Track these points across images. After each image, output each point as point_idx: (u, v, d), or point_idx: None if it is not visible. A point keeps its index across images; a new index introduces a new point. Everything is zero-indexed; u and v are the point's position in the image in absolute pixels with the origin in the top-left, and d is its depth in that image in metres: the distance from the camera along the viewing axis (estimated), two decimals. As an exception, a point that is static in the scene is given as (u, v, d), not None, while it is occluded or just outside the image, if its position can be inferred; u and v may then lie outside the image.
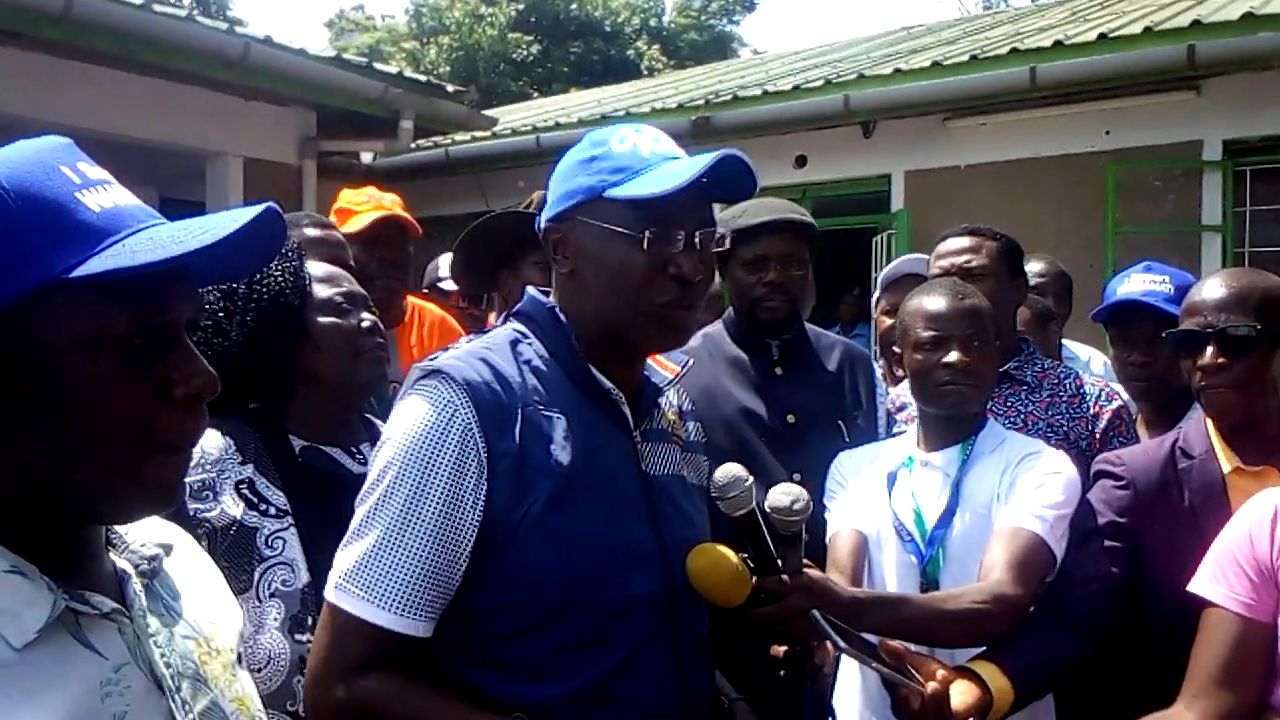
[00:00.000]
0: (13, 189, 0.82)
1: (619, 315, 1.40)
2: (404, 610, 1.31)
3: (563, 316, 1.45)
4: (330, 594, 1.35)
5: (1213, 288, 1.83)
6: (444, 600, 1.34)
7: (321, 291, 1.81)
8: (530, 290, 1.52)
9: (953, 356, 1.97)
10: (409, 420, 1.36)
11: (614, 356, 1.44)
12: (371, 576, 1.31)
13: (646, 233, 1.35)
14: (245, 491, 1.67)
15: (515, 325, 1.49)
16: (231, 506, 1.64)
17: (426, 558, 1.31)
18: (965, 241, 2.53)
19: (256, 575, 1.62)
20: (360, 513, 1.36)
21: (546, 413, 1.38)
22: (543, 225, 1.46)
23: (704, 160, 1.33)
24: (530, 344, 1.45)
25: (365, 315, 1.84)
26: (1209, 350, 1.78)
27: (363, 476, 1.70)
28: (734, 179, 1.40)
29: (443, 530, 1.31)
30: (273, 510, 1.68)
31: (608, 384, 1.42)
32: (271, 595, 1.61)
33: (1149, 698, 1.63)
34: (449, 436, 1.32)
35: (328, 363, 1.78)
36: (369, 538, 1.33)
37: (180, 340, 0.88)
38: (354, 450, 1.83)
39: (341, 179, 7.01)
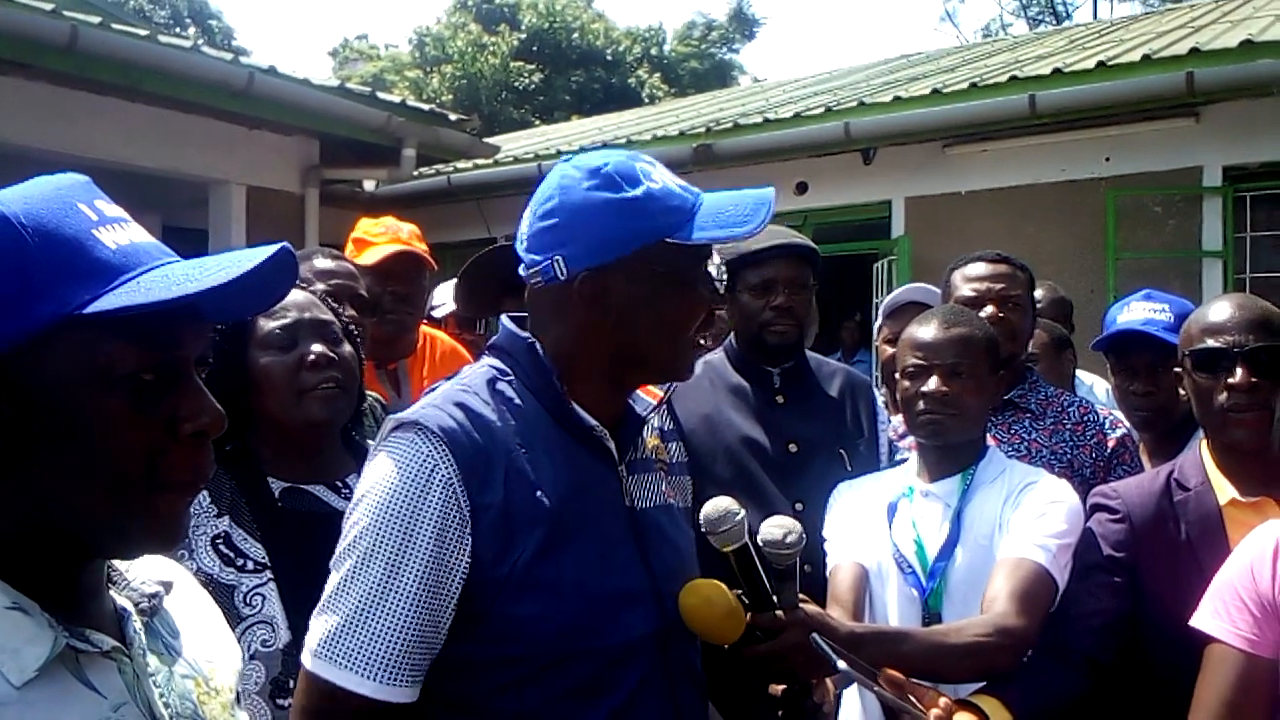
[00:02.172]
0: (31, 225, 0.83)
1: (659, 355, 1.38)
2: (389, 678, 1.26)
3: (543, 354, 1.39)
4: (308, 661, 1.29)
5: (1230, 309, 1.81)
6: (428, 661, 1.30)
7: (261, 325, 1.69)
8: (505, 322, 1.47)
9: (931, 385, 1.97)
10: (385, 479, 1.29)
11: (612, 390, 1.42)
12: (353, 645, 1.26)
13: (712, 278, 1.37)
14: (221, 547, 1.59)
15: (492, 362, 1.44)
16: (207, 564, 1.57)
17: (409, 623, 1.26)
18: (1003, 268, 2.49)
19: (236, 636, 1.52)
20: (336, 577, 1.30)
21: (529, 455, 1.33)
22: (569, 272, 1.35)
23: (766, 198, 1.34)
24: (510, 381, 1.40)
25: (314, 347, 1.70)
26: (1240, 371, 1.75)
27: None
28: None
29: (425, 594, 1.27)
30: (250, 565, 1.60)
31: (591, 421, 1.37)
32: (252, 657, 1.53)
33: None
34: (429, 495, 1.27)
35: (271, 404, 1.68)
36: (348, 604, 1.28)
37: (189, 377, 0.89)
38: (340, 484, 1.74)
39: (344, 207, 7.08)
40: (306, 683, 1.31)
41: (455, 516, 1.27)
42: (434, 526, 1.27)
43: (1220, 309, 1.83)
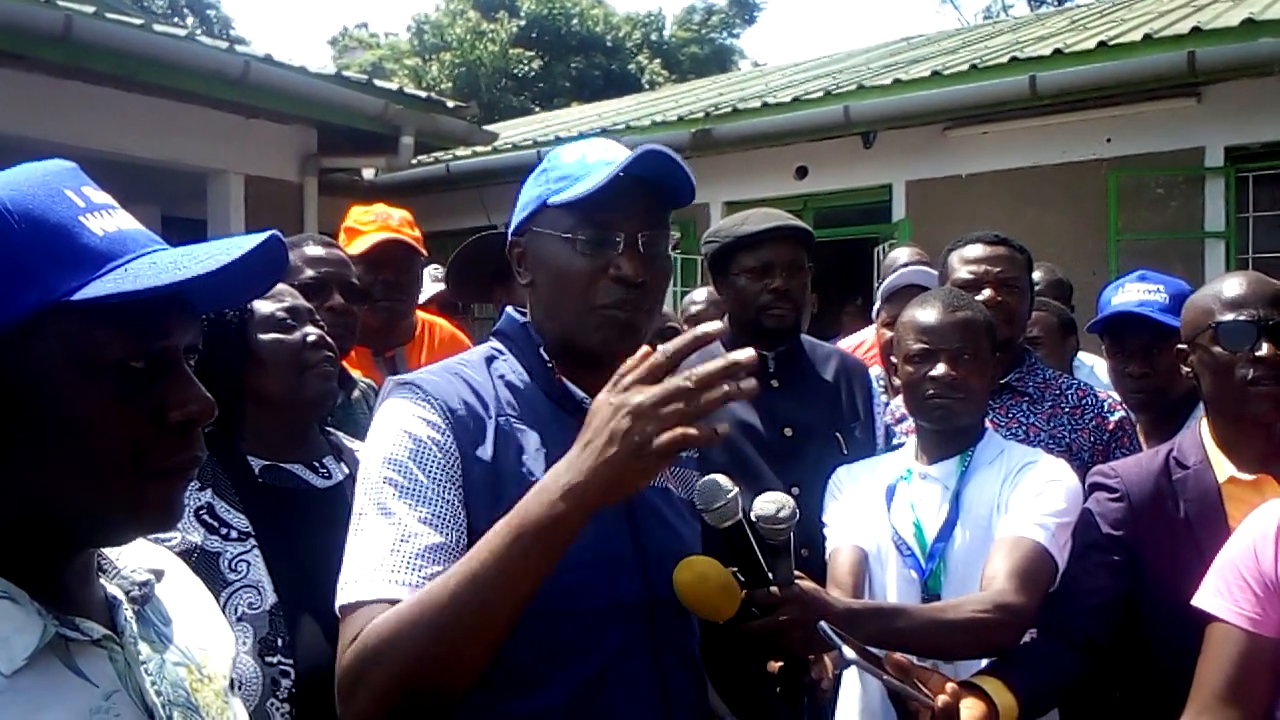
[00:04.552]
0: (17, 211, 0.83)
1: (568, 320, 1.41)
2: (420, 584, 1.22)
3: (534, 331, 1.46)
4: (340, 600, 1.26)
5: (1248, 284, 1.80)
6: None
7: (263, 307, 1.78)
8: (508, 309, 1.52)
9: (940, 370, 1.97)
10: (388, 423, 1.35)
11: (580, 365, 1.43)
12: (379, 565, 1.24)
13: (578, 235, 1.36)
14: (205, 517, 1.64)
15: (492, 343, 1.50)
16: (191, 533, 1.61)
17: (430, 533, 1.26)
18: (1001, 250, 2.48)
19: (222, 600, 1.57)
20: (354, 521, 1.31)
21: (520, 425, 1.37)
22: (508, 241, 1.49)
23: (623, 155, 1.34)
24: (505, 360, 1.46)
25: (310, 329, 1.82)
26: (1265, 344, 1.75)
27: (328, 491, 1.74)
28: (670, 178, 1.38)
29: (439, 510, 1.28)
30: (234, 533, 1.65)
31: (580, 394, 1.40)
32: (239, 619, 1.58)
33: (1153, 712, 1.61)
34: (432, 432, 1.32)
35: (273, 380, 1.76)
36: (364, 535, 1.28)
37: (178, 365, 0.89)
38: (317, 465, 1.81)
39: (343, 196, 7.06)
40: (342, 624, 1.25)
41: (451, 459, 1.32)
42: (440, 455, 1.31)
43: (1236, 284, 1.82)
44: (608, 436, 1.09)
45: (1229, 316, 1.79)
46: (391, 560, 1.24)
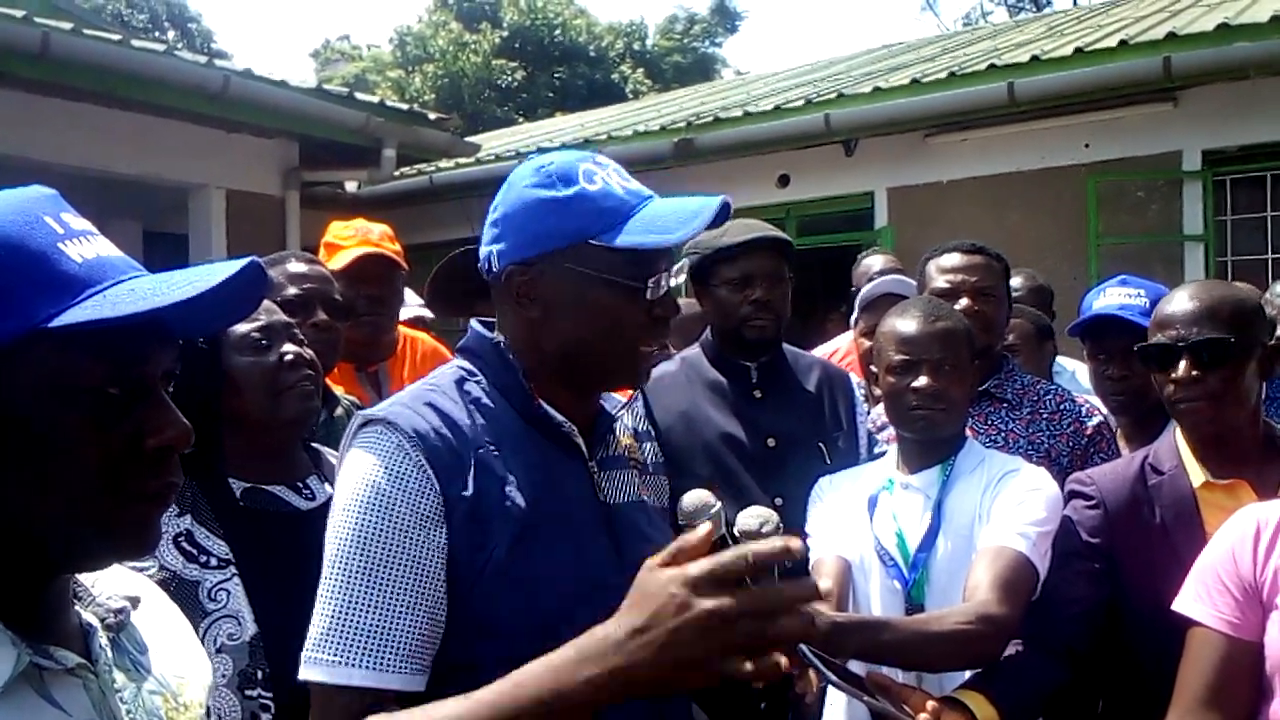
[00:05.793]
0: None
1: (602, 359, 1.36)
2: (384, 664, 1.23)
3: (510, 354, 1.39)
4: (303, 672, 1.25)
5: (1182, 300, 1.82)
6: (429, 649, 1.28)
7: (237, 328, 1.73)
8: (474, 324, 1.46)
9: (922, 381, 1.97)
10: (360, 471, 1.29)
11: (573, 392, 1.41)
12: (342, 639, 1.23)
13: (649, 283, 1.33)
14: (184, 544, 1.61)
15: (460, 363, 1.44)
16: (170, 561, 1.58)
17: (399, 605, 1.25)
18: (978, 259, 2.49)
19: (201, 631, 1.53)
20: (325, 579, 1.28)
21: (498, 453, 1.33)
22: (500, 267, 1.37)
23: (707, 207, 1.30)
24: (478, 381, 1.40)
25: (288, 348, 1.77)
26: (1182, 364, 1.77)
27: (311, 513, 1.71)
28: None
29: (414, 577, 1.26)
30: (214, 561, 1.62)
31: (560, 418, 1.37)
32: (218, 651, 1.55)
33: (1136, 718, 1.61)
34: (406, 481, 1.27)
35: (248, 403, 1.72)
36: (333, 602, 1.26)
37: (155, 392, 0.88)
38: (300, 485, 1.78)
39: (326, 209, 7.04)
40: (314, 696, 1.25)
41: (431, 502, 1.27)
42: (413, 511, 1.26)
43: (1175, 301, 1.84)
44: (668, 636, 0.98)
45: (1155, 338, 1.83)
46: (352, 637, 1.22)
